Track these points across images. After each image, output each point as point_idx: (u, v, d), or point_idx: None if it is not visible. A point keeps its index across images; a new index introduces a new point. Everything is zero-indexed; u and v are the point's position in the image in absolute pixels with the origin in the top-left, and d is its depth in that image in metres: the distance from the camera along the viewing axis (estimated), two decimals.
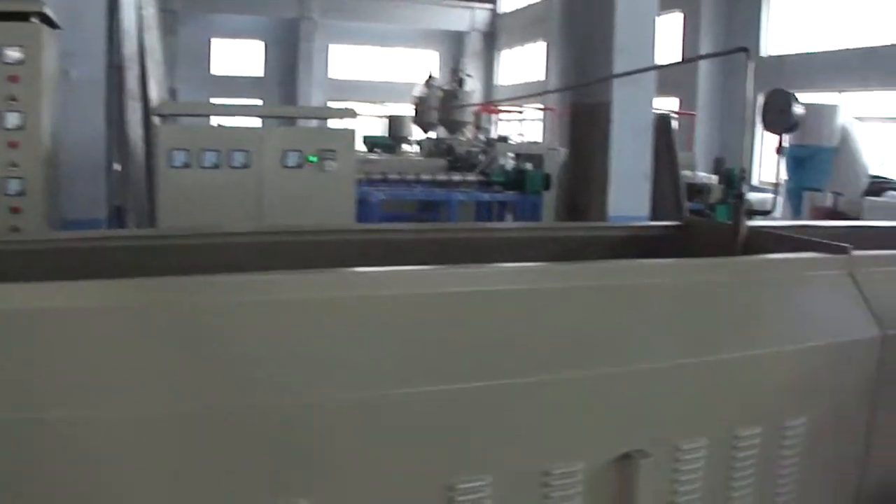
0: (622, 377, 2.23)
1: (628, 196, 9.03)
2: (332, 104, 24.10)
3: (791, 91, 19.54)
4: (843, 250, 2.79)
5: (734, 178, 14.06)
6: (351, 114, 7.08)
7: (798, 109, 3.86)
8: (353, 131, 6.75)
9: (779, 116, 3.95)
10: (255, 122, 9.64)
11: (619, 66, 8.86)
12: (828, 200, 14.32)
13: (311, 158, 6.43)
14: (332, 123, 7.34)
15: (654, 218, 9.18)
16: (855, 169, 14.71)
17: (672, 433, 2.30)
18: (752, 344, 2.49)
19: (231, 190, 6.39)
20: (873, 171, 15.61)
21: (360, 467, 1.97)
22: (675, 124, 16.33)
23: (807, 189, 14.78)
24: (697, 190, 15.19)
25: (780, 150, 4.07)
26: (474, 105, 16.34)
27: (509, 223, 8.54)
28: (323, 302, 2.09)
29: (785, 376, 2.54)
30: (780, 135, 3.98)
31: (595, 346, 2.26)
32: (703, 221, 3.66)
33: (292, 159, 6.45)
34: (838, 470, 2.73)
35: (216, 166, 6.41)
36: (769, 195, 16.80)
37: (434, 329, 2.16)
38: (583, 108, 9.30)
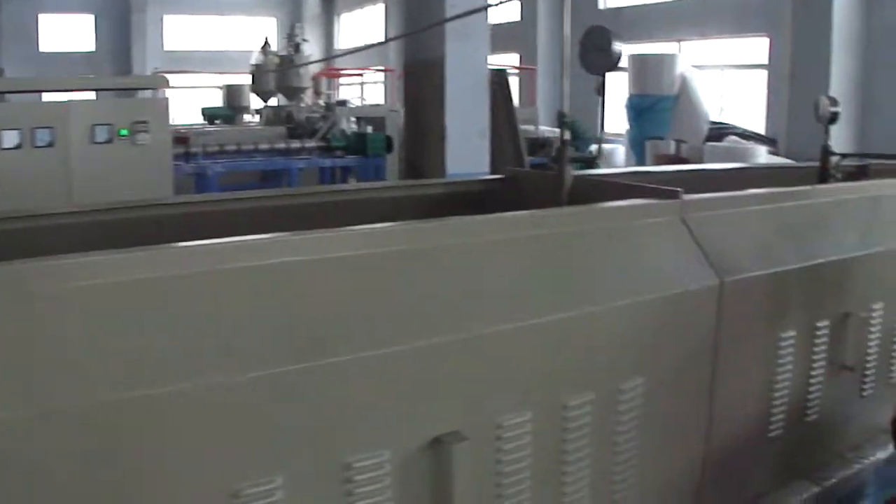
0: (430, 351, 1.93)
1: (466, 153, 8.90)
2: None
3: (633, 42, 19.78)
4: (674, 195, 2.57)
5: (577, 131, 14.12)
6: (163, 82, 6.60)
7: (617, 47, 3.65)
8: (166, 100, 6.29)
9: (598, 56, 3.73)
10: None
11: (452, 22, 8.70)
12: (670, 148, 14.52)
13: (122, 132, 5.94)
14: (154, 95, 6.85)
15: (494, 174, 9.00)
16: (695, 116, 14.97)
17: (491, 410, 2.03)
18: (580, 302, 2.23)
19: (36, 171, 5.85)
20: (714, 118, 15.94)
21: (131, 472, 1.64)
22: (515, 79, 16.11)
23: (649, 138, 14.94)
24: (541, 144, 15.21)
25: (600, 90, 3.84)
26: (313, 62, 15.87)
27: (321, 186, 8.17)
28: (123, 285, 1.73)
29: (618, 335, 2.30)
30: (601, 75, 3.77)
31: (397, 318, 1.95)
32: (530, 173, 3.41)
33: (101, 134, 5.95)
34: (683, 428, 2.53)
35: (18, 146, 5.86)
36: (615, 146, 17.03)
37: (219, 307, 1.81)
38: (416, 66, 9.12)
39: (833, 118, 4.05)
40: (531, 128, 16.99)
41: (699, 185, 3.06)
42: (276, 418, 1.76)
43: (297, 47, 14.26)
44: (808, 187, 3.08)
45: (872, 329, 3.21)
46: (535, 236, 2.31)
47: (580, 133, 14.11)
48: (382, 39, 24.03)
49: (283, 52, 14.75)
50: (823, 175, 4.05)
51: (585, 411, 2.18)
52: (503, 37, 23.17)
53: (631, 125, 15.49)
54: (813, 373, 2.94)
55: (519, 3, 22.85)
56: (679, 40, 19.31)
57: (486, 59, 9.26)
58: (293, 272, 1.91)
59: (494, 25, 22.64)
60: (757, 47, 17.75)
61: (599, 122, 8.30)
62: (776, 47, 16.41)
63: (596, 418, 2.21)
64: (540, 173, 3.19)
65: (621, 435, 2.30)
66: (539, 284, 2.21)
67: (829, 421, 3.15)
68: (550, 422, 2.12)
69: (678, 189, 2.57)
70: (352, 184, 8.35)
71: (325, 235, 2.00)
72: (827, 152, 4.07)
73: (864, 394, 3.29)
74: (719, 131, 15.34)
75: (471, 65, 8.92)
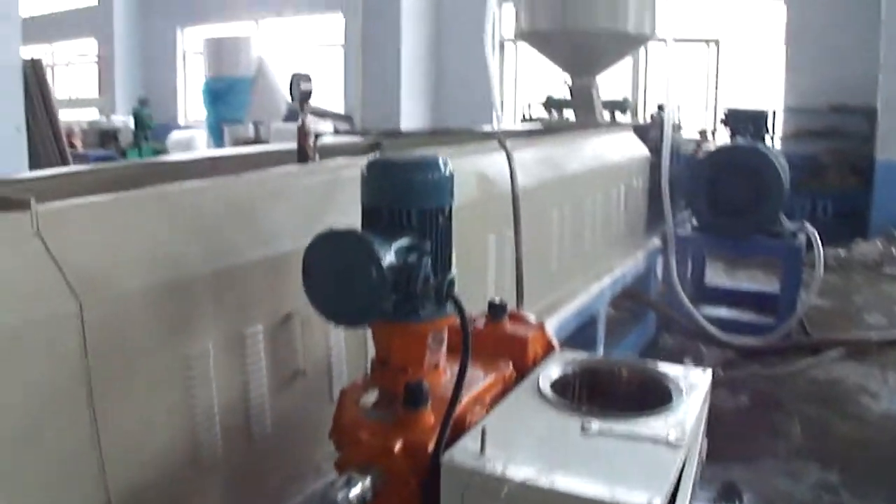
0: None
1: (2, 150, 8.12)
2: None
3: (211, 22, 19.20)
4: (24, 205, 2.07)
5: (141, 119, 13.38)
6: None
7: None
8: None
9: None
10: None
11: None
12: (249, 131, 14.20)
13: None
14: None
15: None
16: (273, 97, 14.77)
17: None
18: None
19: None
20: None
21: None
22: (93, 66, 14.85)
23: (227, 122, 14.52)
24: (112, 136, 14.34)
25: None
26: None
27: None
28: None
29: None
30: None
31: None
32: None
33: None
34: (66, 484, 2.04)
35: None
36: (194, 132, 16.38)
37: None
38: None
39: (306, 95, 3.79)
40: (103, 118, 15.99)
41: (147, 179, 2.61)
42: None
43: None
44: (231, 177, 2.71)
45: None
46: None
47: (146, 122, 13.38)
48: None
49: None
50: (302, 156, 3.78)
51: None
52: (78, 22, 21.71)
53: (208, 110, 14.98)
54: (251, 385, 2.58)
55: None
56: (257, 20, 19.04)
57: (18, 49, 8.54)
58: None
59: (69, 11, 21.27)
60: (335, 25, 17.89)
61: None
62: (351, 25, 16.60)
63: None
64: None
65: None
66: None
67: (293, 432, 2.84)
68: None
69: (28, 198, 2.06)
70: None
71: None
72: (303, 131, 3.80)
73: (336, 396, 3.02)
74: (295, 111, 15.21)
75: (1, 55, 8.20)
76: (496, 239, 3.89)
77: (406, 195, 2.17)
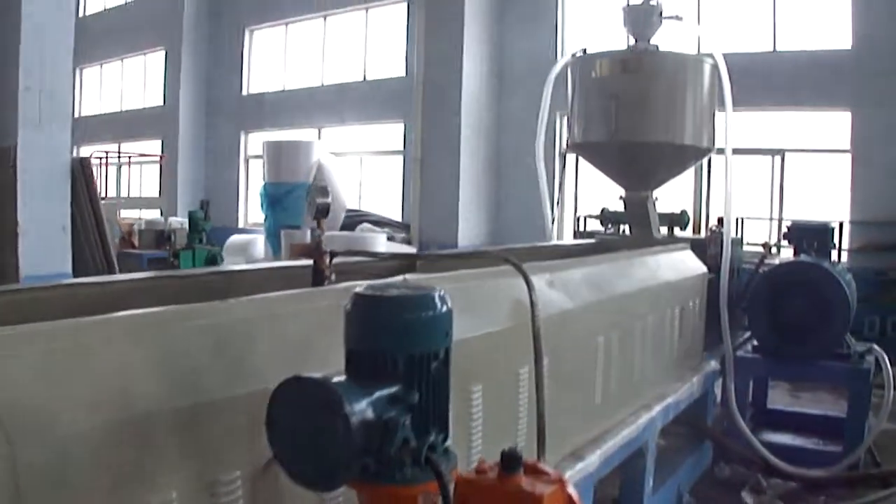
0: None
1: (45, 251, 8.11)
2: None
3: (274, 128, 19.42)
4: None
5: (196, 222, 13.40)
6: None
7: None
8: None
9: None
10: None
11: (26, 106, 8.03)
12: (307, 236, 14.11)
13: None
14: None
15: (78, 273, 8.29)
16: (332, 204, 14.69)
17: None
18: None
19: None
20: (352, 205, 15.77)
21: None
22: (156, 166, 14.97)
23: (285, 227, 14.47)
24: (167, 237, 14.40)
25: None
26: None
27: None
28: None
29: None
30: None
31: None
32: None
33: None
34: None
35: None
36: (254, 236, 16.40)
37: None
38: None
39: (323, 210, 3.57)
40: (161, 219, 16.13)
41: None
42: None
43: None
44: (215, 302, 2.45)
45: None
46: None
47: (200, 225, 13.40)
48: None
49: None
50: (317, 277, 3.54)
51: None
52: (146, 122, 22.22)
53: (266, 214, 14.97)
54: None
55: (162, 87, 22.15)
56: (319, 127, 19.24)
57: (68, 149, 8.60)
58: None
59: (137, 110, 21.76)
60: (395, 131, 17.99)
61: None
62: (411, 135, 16.65)
63: None
64: None
65: None
66: None
67: None
68: None
69: None
70: None
71: None
72: (319, 250, 3.57)
73: None
74: (355, 219, 15.16)
75: (49, 154, 8.27)
76: (530, 371, 3.56)
77: (390, 337, 1.88)
